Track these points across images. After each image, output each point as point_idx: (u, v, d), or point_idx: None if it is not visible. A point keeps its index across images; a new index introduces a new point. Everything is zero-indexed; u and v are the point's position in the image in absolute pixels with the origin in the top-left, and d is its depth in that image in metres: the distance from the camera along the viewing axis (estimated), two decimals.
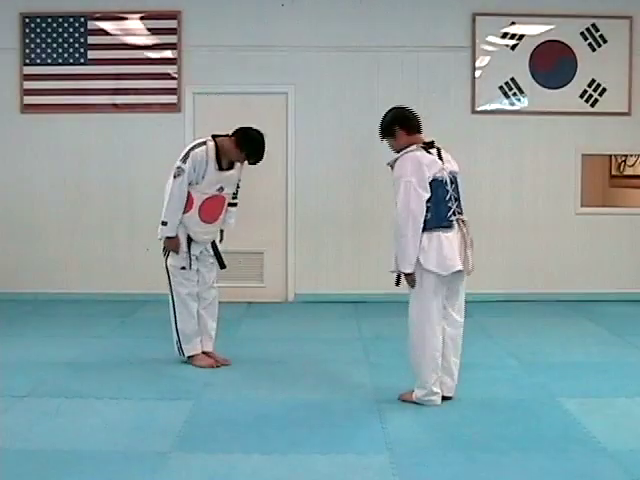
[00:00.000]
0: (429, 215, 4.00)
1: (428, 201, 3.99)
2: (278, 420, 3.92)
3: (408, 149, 4.10)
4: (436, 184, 4.03)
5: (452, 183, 4.11)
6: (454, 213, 4.09)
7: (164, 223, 4.81)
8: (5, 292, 7.20)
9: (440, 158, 4.11)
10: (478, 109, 7.31)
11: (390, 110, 4.26)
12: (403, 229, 3.97)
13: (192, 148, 4.82)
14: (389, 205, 7.31)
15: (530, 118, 7.34)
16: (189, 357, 4.97)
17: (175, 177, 4.78)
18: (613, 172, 9.19)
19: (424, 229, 4.00)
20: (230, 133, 4.84)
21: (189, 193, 4.79)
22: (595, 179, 8.82)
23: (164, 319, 6.57)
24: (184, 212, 4.81)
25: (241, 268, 7.28)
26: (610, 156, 8.84)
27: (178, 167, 4.78)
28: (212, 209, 4.90)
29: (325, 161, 7.34)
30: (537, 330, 6.14)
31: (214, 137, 4.88)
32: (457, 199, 4.14)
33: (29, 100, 7.27)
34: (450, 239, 4.04)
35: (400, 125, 4.14)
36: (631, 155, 8.49)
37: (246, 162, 4.86)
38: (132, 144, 7.33)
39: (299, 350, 5.45)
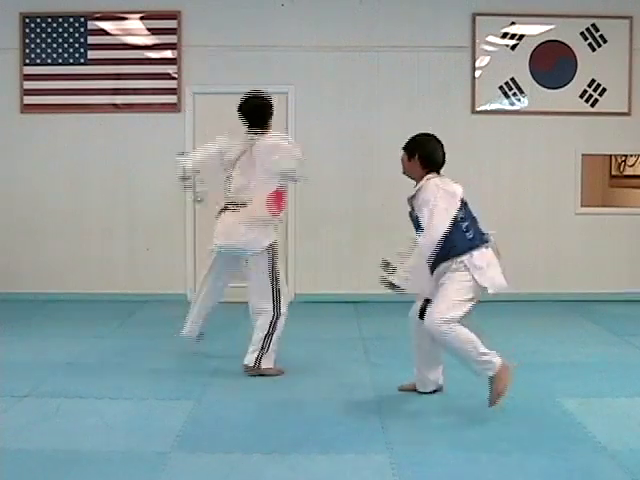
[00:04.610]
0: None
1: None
2: (278, 420, 3.93)
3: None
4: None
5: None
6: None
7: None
8: (5, 292, 7.20)
9: None
10: (478, 109, 7.31)
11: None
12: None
13: None
14: (389, 205, 7.36)
15: (530, 118, 7.34)
16: (261, 368, 4.75)
17: None
18: (613, 172, 9.20)
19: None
20: None
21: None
22: (595, 179, 8.82)
23: (164, 319, 6.59)
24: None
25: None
26: (610, 156, 8.84)
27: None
28: None
29: (325, 161, 7.33)
30: (537, 330, 6.14)
31: None
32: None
33: (29, 100, 7.27)
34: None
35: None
36: (631, 155, 8.49)
37: None
38: (132, 144, 7.33)
39: (299, 350, 5.44)
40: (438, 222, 3.92)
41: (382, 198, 7.30)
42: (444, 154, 4.18)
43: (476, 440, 3.64)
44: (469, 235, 4.00)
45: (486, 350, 3.96)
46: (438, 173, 4.15)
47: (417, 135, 4.25)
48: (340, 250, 7.36)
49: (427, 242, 3.91)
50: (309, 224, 7.36)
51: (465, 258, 3.96)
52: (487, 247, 4.06)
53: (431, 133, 4.25)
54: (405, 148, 4.21)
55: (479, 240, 4.03)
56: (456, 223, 3.96)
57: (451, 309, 3.92)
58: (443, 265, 4.01)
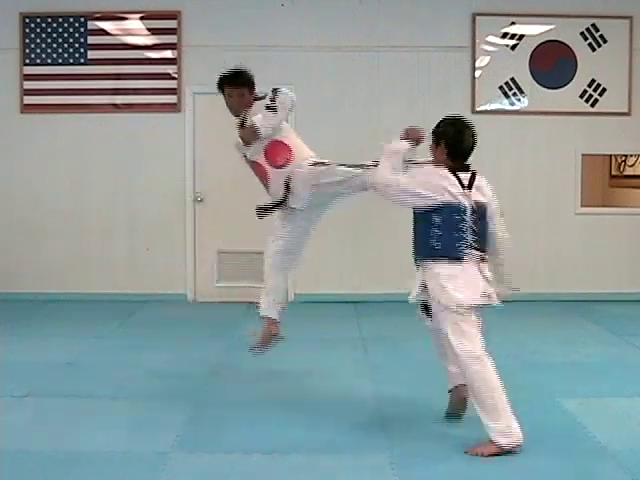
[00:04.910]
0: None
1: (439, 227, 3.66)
2: (278, 420, 3.92)
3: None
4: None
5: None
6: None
7: None
8: (5, 292, 7.20)
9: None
10: (478, 109, 7.30)
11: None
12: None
13: None
14: (389, 205, 7.35)
15: (530, 118, 7.33)
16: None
17: None
18: (613, 172, 9.20)
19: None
20: None
21: None
22: (595, 179, 8.82)
23: (164, 319, 6.60)
24: None
25: (241, 268, 7.29)
26: (610, 156, 8.84)
27: None
28: None
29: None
30: (537, 330, 6.14)
31: None
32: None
33: (29, 100, 7.27)
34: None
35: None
36: (631, 155, 8.49)
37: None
38: (132, 144, 7.33)
39: (299, 350, 5.44)
40: (401, 181, 3.91)
41: (382, 198, 7.28)
42: (474, 138, 3.80)
43: (476, 440, 3.64)
44: (434, 243, 3.62)
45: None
46: (464, 165, 3.84)
47: (442, 120, 3.83)
48: (340, 250, 7.36)
49: (384, 176, 4.03)
50: None
51: (434, 267, 3.61)
52: (463, 263, 3.60)
53: (458, 116, 3.84)
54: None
55: (447, 252, 3.60)
56: (429, 224, 3.67)
57: (464, 337, 3.55)
58: (421, 263, 3.72)
